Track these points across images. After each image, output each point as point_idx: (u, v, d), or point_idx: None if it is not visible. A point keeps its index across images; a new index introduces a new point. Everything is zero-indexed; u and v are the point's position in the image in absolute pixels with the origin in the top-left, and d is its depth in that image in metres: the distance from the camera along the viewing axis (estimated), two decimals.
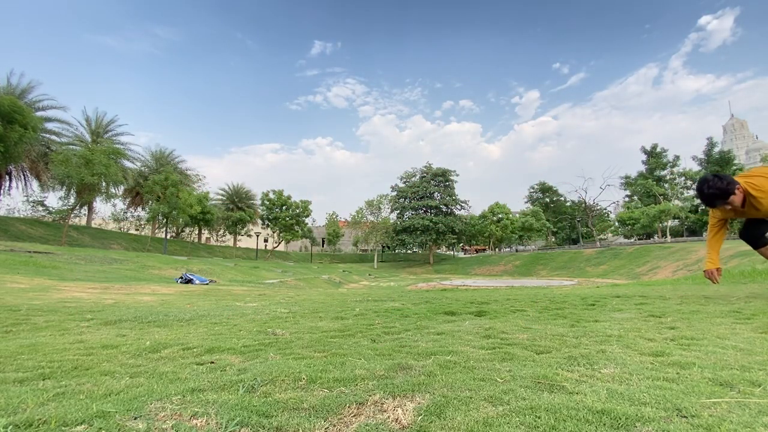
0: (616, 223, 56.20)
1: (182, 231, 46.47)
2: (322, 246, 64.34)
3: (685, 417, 0.91)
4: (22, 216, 33.19)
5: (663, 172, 52.02)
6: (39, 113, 28.53)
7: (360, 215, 52.55)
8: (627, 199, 54.77)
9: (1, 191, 30.94)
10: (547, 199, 63.07)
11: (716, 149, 48.98)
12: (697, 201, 49.52)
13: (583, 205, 54.55)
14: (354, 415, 0.96)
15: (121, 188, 36.13)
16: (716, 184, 2.96)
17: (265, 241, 46.48)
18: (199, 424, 0.89)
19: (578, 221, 57.64)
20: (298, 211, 45.01)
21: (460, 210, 52.93)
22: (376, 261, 50.60)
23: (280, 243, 48.20)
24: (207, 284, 13.66)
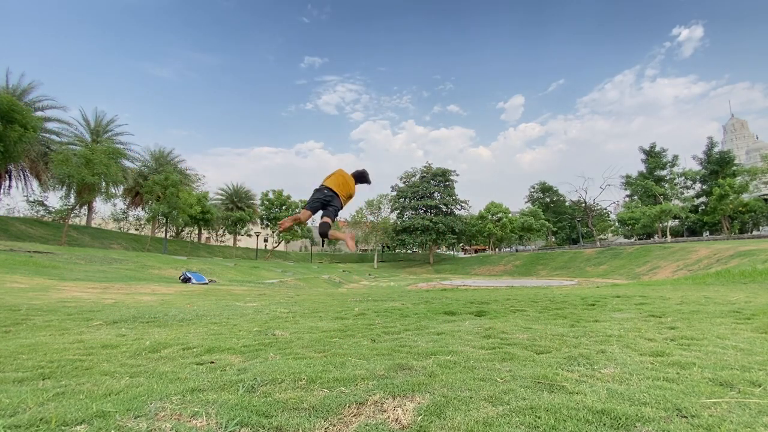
0: (617, 223, 56.15)
1: (182, 231, 46.47)
2: (322, 246, 64.29)
3: (685, 417, 0.91)
4: (22, 216, 33.18)
5: (663, 172, 51.99)
6: (38, 113, 28.51)
7: (360, 215, 52.54)
8: (627, 199, 54.73)
9: (1, 191, 30.95)
10: (548, 199, 63.07)
11: (716, 149, 48.91)
12: (698, 201, 49.66)
13: (583, 205, 54.52)
14: (354, 415, 0.96)
15: (121, 188, 36.13)
16: None
17: (265, 241, 46.42)
18: (199, 424, 0.88)
19: (578, 221, 57.62)
20: (297, 210, 45.04)
21: (460, 210, 52.96)
22: (376, 261, 50.60)
23: (279, 243, 48.21)
24: (206, 284, 13.66)
